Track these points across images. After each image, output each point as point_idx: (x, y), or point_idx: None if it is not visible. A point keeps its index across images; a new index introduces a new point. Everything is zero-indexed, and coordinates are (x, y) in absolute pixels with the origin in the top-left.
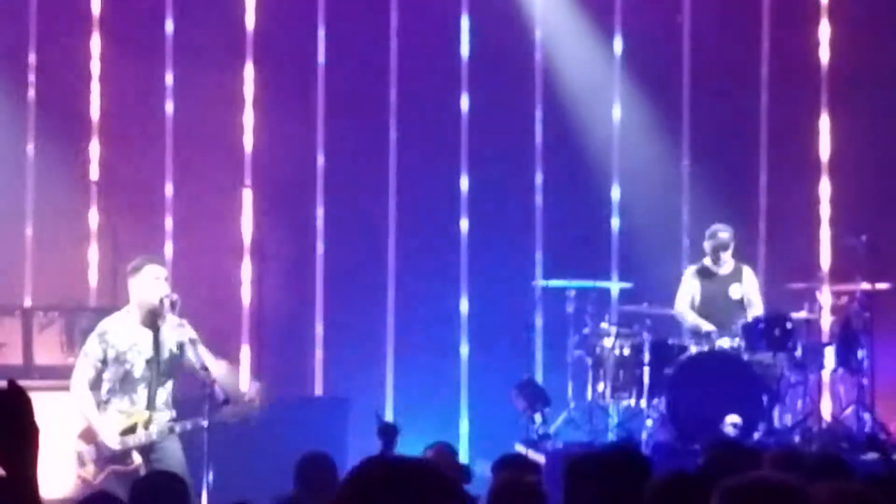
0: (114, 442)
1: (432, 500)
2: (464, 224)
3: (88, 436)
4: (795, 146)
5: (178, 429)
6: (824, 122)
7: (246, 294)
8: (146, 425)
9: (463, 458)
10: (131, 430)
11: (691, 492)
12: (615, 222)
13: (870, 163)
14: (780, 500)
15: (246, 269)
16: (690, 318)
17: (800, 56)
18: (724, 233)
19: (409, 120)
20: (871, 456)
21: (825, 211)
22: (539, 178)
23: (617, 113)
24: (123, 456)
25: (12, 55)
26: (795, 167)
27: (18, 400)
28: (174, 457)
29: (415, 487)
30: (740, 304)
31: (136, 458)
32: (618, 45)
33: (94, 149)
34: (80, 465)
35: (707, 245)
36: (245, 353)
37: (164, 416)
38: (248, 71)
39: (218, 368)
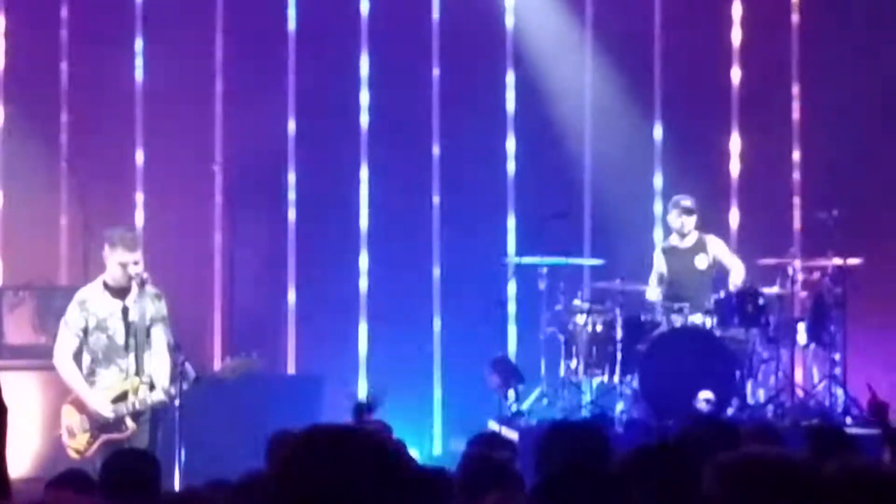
0: (106, 410)
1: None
2: (436, 199)
3: (77, 407)
4: (767, 118)
5: (155, 399)
6: (795, 90)
7: (217, 270)
8: (136, 391)
9: (437, 435)
10: (122, 397)
11: (660, 464)
12: (587, 197)
13: (842, 134)
14: (778, 474)
15: (217, 245)
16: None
17: (771, 20)
18: (686, 200)
19: (381, 88)
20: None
21: (797, 185)
22: (510, 148)
23: (588, 82)
24: (117, 423)
25: None
26: (767, 140)
27: None
28: (159, 420)
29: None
30: (708, 275)
31: (130, 424)
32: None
33: (64, 124)
34: (70, 437)
35: (672, 215)
36: (216, 329)
37: (154, 391)
38: (219, 40)
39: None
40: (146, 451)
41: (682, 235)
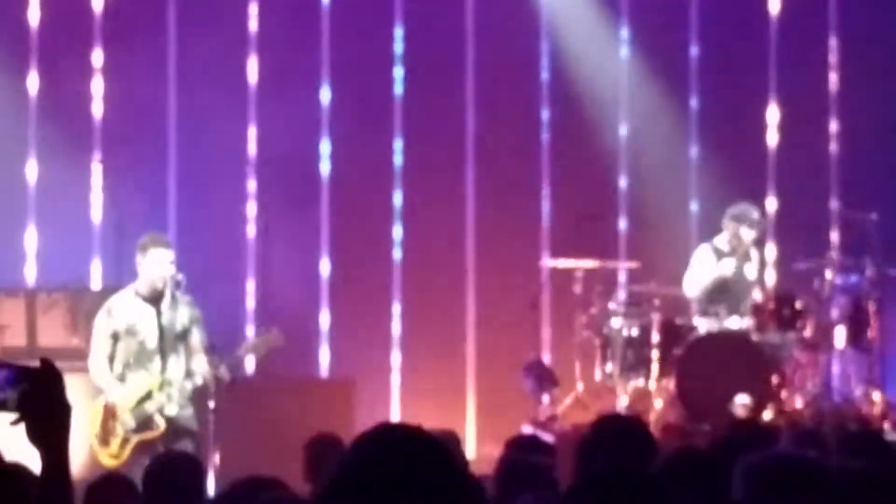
0: (128, 403)
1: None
2: (470, 209)
3: (106, 413)
4: (805, 123)
5: (189, 386)
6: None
7: (252, 273)
8: (161, 388)
9: (470, 439)
10: (147, 397)
11: (701, 468)
12: (623, 200)
13: (882, 136)
14: (805, 476)
15: (251, 249)
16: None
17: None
18: (754, 213)
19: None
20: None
21: (835, 188)
22: (546, 167)
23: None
24: (147, 423)
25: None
26: (806, 143)
27: (52, 380)
28: (190, 418)
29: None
30: (753, 284)
31: (160, 423)
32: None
33: (98, 126)
34: (102, 444)
35: (743, 229)
36: (250, 332)
37: (180, 383)
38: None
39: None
40: (190, 455)
41: (740, 245)
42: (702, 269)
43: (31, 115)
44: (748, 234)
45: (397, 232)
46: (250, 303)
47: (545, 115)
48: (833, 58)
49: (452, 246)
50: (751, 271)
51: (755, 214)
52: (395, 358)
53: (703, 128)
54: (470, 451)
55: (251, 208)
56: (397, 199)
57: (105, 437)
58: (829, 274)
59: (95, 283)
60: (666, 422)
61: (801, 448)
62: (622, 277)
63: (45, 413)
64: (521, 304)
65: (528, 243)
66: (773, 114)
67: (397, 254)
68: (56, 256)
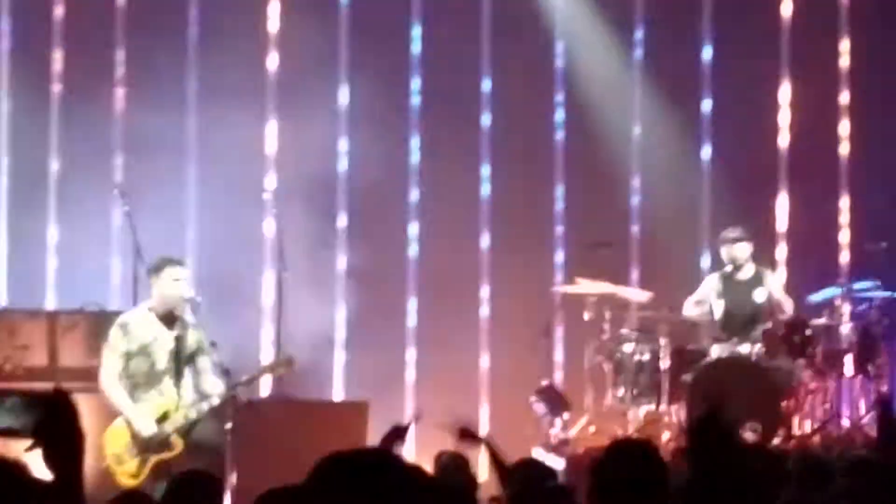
0: (149, 429)
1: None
2: (484, 235)
3: (122, 432)
4: (816, 150)
5: (206, 406)
6: (844, 126)
7: (267, 294)
8: (177, 409)
9: (483, 462)
10: (164, 417)
11: (717, 490)
12: (634, 228)
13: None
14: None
15: (268, 270)
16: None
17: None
18: (731, 231)
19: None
20: None
21: (845, 215)
22: (559, 189)
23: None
24: (164, 443)
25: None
26: (817, 172)
27: (66, 405)
28: (215, 433)
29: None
30: (764, 309)
31: (178, 443)
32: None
33: (118, 152)
34: (118, 463)
35: (722, 251)
36: (266, 355)
37: (196, 404)
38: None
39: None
40: (210, 473)
41: (739, 267)
42: (700, 294)
43: (53, 137)
44: (728, 254)
45: (412, 256)
46: (266, 330)
47: (559, 137)
48: (844, 63)
49: (466, 270)
50: (760, 295)
51: (733, 233)
52: (409, 380)
53: (717, 149)
54: (482, 474)
55: (269, 233)
56: (413, 228)
57: (123, 457)
58: (838, 301)
59: (114, 306)
60: (676, 447)
61: (807, 476)
62: (633, 303)
63: (60, 440)
64: (533, 328)
65: (541, 269)
66: (784, 138)
67: (412, 279)
68: (76, 279)
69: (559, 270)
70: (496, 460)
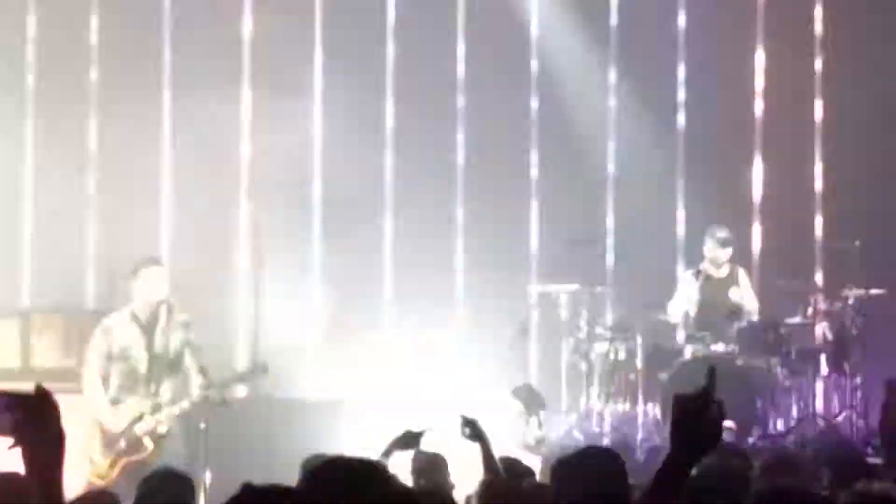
0: (118, 426)
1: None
2: (459, 225)
3: (94, 433)
4: (789, 145)
5: (177, 411)
6: (818, 116)
7: (245, 296)
8: (152, 412)
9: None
10: (138, 419)
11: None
12: (610, 225)
13: (866, 162)
14: None
15: (245, 273)
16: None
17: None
18: (722, 232)
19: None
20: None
21: (818, 214)
22: (533, 189)
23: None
24: (135, 445)
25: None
26: (790, 167)
27: (46, 404)
28: (183, 443)
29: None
30: (739, 306)
31: (149, 444)
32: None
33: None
34: (90, 464)
35: (708, 246)
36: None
37: (172, 406)
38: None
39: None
40: (181, 473)
41: (718, 266)
42: (681, 295)
43: (29, 133)
44: (713, 252)
45: (387, 261)
46: (243, 328)
47: (533, 138)
48: (819, 67)
49: (441, 270)
50: (735, 293)
51: (721, 233)
52: (384, 379)
53: (689, 158)
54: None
55: (245, 233)
56: (388, 227)
57: (93, 457)
58: (812, 300)
59: (89, 304)
60: (651, 446)
61: (776, 474)
62: (608, 302)
63: (40, 439)
64: (509, 327)
65: (517, 268)
66: (758, 154)
67: (388, 281)
68: (50, 277)
69: (534, 268)
70: (490, 465)
